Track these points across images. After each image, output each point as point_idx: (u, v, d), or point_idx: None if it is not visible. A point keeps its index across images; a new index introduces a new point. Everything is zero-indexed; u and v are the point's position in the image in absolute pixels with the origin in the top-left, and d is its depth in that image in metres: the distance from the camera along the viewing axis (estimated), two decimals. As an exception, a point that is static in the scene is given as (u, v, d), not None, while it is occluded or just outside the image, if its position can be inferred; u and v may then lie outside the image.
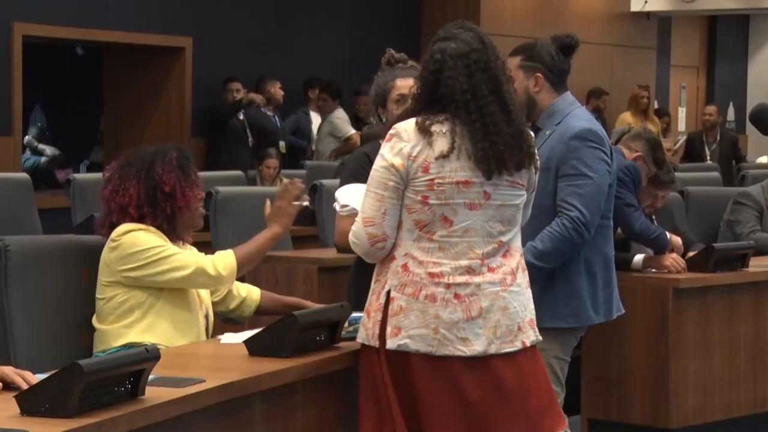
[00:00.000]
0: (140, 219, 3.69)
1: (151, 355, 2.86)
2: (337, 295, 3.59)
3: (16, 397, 2.70)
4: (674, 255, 5.43)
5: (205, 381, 3.05)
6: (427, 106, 3.44)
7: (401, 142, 3.40)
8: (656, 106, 14.51)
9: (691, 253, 5.66)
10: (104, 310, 3.68)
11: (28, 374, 2.93)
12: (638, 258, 5.45)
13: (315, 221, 6.89)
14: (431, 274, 3.40)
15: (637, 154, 5.52)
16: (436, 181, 3.38)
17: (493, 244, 3.44)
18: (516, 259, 3.50)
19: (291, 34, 11.43)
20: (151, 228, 3.70)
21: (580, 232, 4.22)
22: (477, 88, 3.41)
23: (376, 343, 3.44)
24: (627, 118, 12.55)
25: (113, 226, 3.70)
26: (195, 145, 10.70)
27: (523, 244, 3.97)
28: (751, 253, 5.73)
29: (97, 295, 3.71)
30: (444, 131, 3.39)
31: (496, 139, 3.39)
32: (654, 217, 5.81)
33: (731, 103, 17.55)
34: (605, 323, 4.51)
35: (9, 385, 2.89)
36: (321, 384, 3.50)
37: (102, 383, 2.73)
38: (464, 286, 3.40)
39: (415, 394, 3.40)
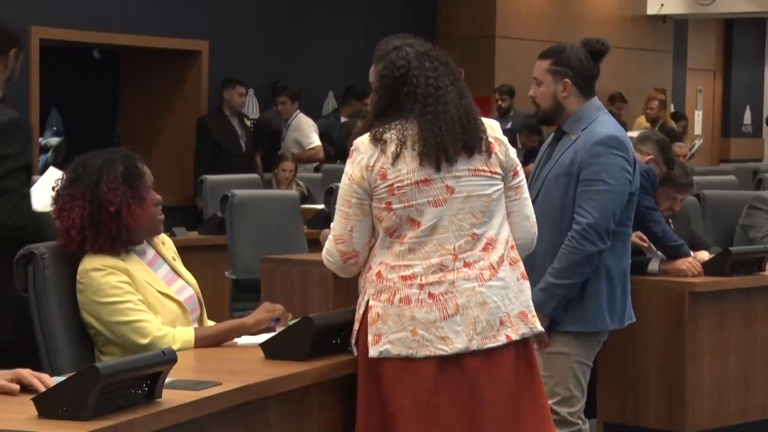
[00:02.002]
0: (82, 241, 3.54)
1: (168, 357, 2.86)
2: (352, 298, 3.59)
3: (33, 399, 2.71)
4: (690, 259, 5.42)
5: (221, 384, 3.06)
6: (386, 111, 3.47)
7: (360, 155, 3.45)
8: (672, 109, 14.47)
9: (707, 257, 5.65)
10: (95, 341, 3.60)
11: (45, 377, 2.94)
12: (654, 261, 5.44)
13: (330, 224, 6.88)
14: (403, 277, 3.41)
15: (650, 157, 5.52)
16: (395, 185, 3.41)
17: (465, 237, 3.43)
18: (499, 251, 3.47)
19: (306, 38, 11.45)
20: (116, 266, 3.53)
21: (590, 239, 4.22)
22: (441, 80, 3.48)
23: (355, 352, 3.49)
24: (642, 122, 12.54)
25: (67, 248, 3.56)
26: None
27: (546, 248, 3.95)
28: (767, 257, 5.72)
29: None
30: (394, 136, 3.42)
31: (440, 125, 3.41)
32: (671, 221, 5.80)
33: (748, 107, 17.52)
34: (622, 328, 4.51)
35: (26, 388, 2.90)
36: (336, 387, 3.50)
37: (119, 386, 2.74)
38: (437, 284, 3.40)
39: (387, 401, 3.40)
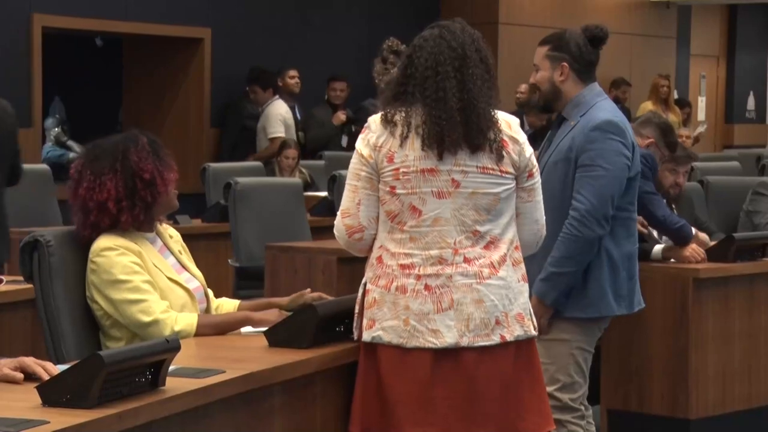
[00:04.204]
0: (118, 213, 3.56)
1: (172, 345, 2.87)
2: (356, 285, 3.59)
3: (37, 387, 2.71)
4: (694, 245, 5.42)
5: (225, 372, 3.06)
6: (396, 90, 3.45)
7: (370, 133, 3.45)
8: (676, 95, 14.44)
9: (711, 243, 5.65)
10: (101, 325, 3.62)
11: (49, 365, 2.94)
12: (658, 248, 5.43)
13: (334, 212, 6.88)
14: (402, 266, 3.40)
15: (650, 140, 5.51)
16: (401, 170, 3.39)
17: (467, 233, 3.40)
18: (502, 251, 3.43)
19: (310, 26, 11.42)
20: (129, 247, 3.56)
21: (588, 225, 4.20)
22: (440, 63, 3.41)
23: (356, 335, 3.49)
24: (648, 107, 12.51)
25: (96, 226, 3.59)
26: (214, 136, 10.73)
27: (547, 234, 3.94)
28: (771, 243, 5.71)
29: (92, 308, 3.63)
30: (402, 119, 3.41)
31: (438, 113, 3.37)
32: (674, 206, 5.80)
33: (751, 93, 17.48)
34: (624, 314, 4.50)
35: (30, 376, 2.91)
36: (340, 375, 3.50)
37: (123, 374, 2.74)
38: (435, 277, 3.38)
39: (383, 388, 3.41)
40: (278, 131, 10.18)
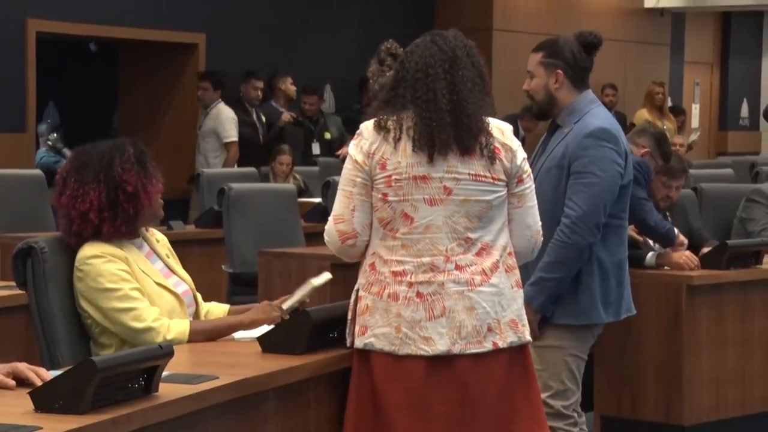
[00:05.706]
0: (100, 224, 3.55)
1: (165, 351, 2.86)
2: (350, 291, 3.59)
3: (30, 393, 2.71)
4: (687, 252, 5.43)
5: (218, 378, 3.06)
6: (388, 95, 3.47)
7: (363, 140, 3.45)
8: (670, 103, 14.46)
9: (705, 250, 5.66)
10: (91, 332, 3.61)
11: (42, 370, 2.94)
12: (651, 255, 5.44)
13: (327, 218, 6.87)
14: (394, 273, 3.40)
15: (645, 150, 5.52)
16: (393, 177, 3.39)
17: (458, 240, 3.40)
18: (494, 257, 3.43)
19: (304, 30, 11.43)
20: (116, 254, 3.55)
21: (579, 232, 4.20)
22: (430, 66, 3.43)
23: (348, 341, 3.49)
24: (644, 115, 12.52)
25: (79, 235, 3.58)
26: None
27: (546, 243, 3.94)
28: (764, 250, 5.72)
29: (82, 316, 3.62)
30: (395, 124, 3.41)
31: (429, 114, 3.38)
32: (668, 213, 5.81)
33: (745, 100, 17.51)
34: (618, 321, 4.50)
35: (23, 382, 2.90)
36: (334, 381, 3.50)
37: (116, 380, 2.74)
38: (427, 284, 3.38)
39: (377, 395, 3.41)
40: (233, 135, 10.07)
